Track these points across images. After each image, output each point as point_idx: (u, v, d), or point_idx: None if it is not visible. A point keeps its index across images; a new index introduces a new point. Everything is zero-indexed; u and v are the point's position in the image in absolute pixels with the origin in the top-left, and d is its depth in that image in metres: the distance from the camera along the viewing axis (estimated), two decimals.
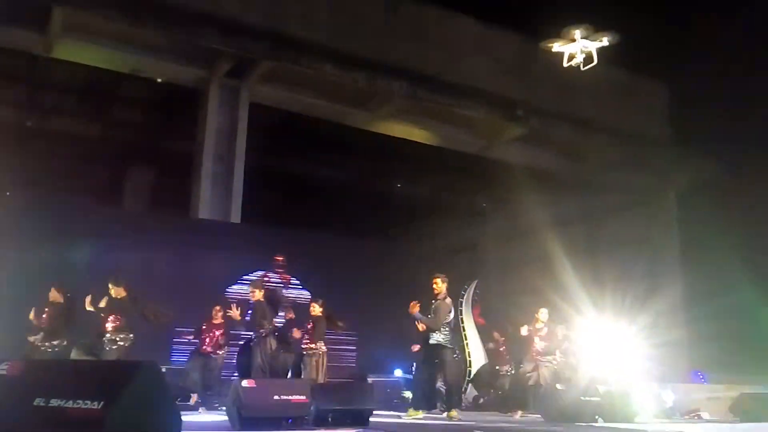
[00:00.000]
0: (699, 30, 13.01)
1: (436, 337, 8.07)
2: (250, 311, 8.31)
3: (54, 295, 7.99)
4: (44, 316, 7.91)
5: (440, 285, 8.22)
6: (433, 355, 8.17)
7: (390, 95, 13.34)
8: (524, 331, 9.28)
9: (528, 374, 9.22)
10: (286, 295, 10.54)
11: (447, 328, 8.21)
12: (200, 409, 8.68)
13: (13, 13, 10.54)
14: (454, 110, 13.77)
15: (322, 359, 8.68)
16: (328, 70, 12.40)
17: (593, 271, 11.20)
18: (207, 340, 9.16)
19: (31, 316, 7.97)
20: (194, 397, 8.98)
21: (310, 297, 9.68)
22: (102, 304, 7.72)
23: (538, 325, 9.29)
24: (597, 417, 7.71)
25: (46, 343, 7.83)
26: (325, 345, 8.79)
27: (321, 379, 8.41)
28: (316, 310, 8.81)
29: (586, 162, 14.66)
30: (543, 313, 9.36)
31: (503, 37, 13.62)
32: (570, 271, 10.00)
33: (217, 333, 9.18)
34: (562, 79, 14.40)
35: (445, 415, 8.17)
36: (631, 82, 15.52)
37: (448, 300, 8.33)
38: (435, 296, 8.21)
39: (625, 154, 14.88)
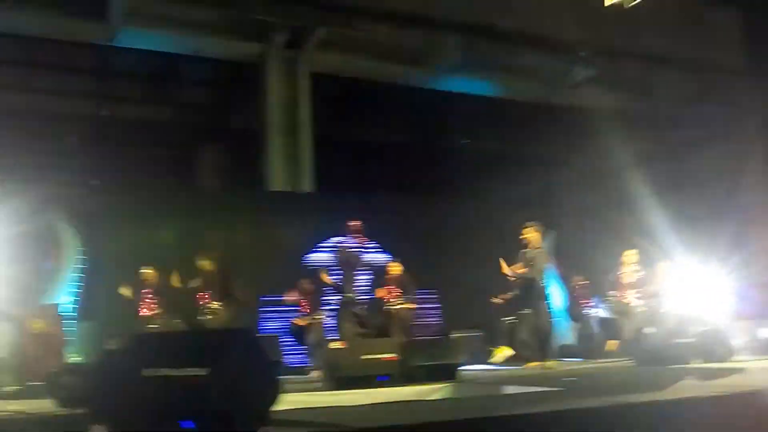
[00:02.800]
0: None
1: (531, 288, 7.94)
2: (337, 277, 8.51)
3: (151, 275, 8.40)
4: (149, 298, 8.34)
5: (534, 234, 8.03)
6: (527, 304, 8.05)
7: (447, 50, 13.12)
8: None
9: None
10: (365, 258, 10.63)
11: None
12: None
13: (74, 5, 10.86)
14: (514, 59, 13.43)
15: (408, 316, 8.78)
16: (383, 31, 12.30)
17: (679, 210, 10.80)
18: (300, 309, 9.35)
19: (125, 291, 8.38)
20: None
21: (390, 258, 9.73)
22: (195, 283, 8.12)
23: (629, 269, 9.03)
24: (690, 358, 7.53)
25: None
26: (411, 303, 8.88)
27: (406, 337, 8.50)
28: (396, 269, 8.88)
29: (659, 98, 14.07)
30: (631, 255, 9.07)
31: None
32: (655, 212, 9.66)
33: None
34: (626, 13, 13.85)
35: (535, 365, 8.02)
36: (701, 10, 14.76)
37: (544, 248, 8.18)
38: (527, 246, 8.03)
39: (701, 87, 14.23)
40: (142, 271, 8.49)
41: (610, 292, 9.23)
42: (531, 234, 7.98)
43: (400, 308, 8.75)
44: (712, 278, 8.95)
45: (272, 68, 12.59)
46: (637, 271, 8.98)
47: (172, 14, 11.47)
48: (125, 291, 8.36)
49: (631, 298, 8.94)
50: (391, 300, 8.80)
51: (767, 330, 9.50)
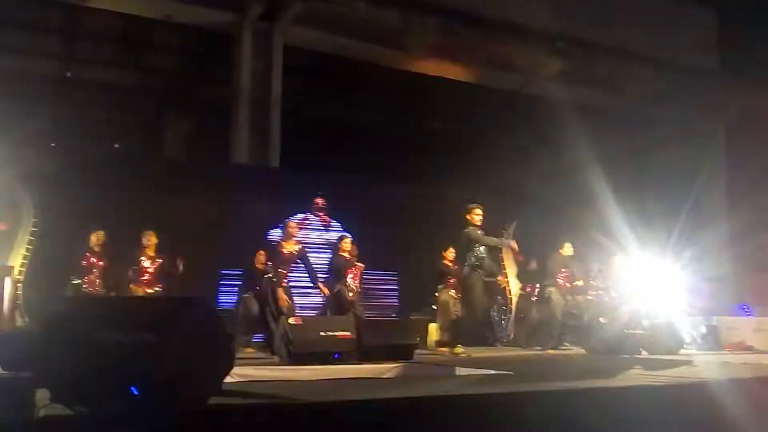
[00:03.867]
0: None
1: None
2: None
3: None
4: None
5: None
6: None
7: (424, 32, 13.04)
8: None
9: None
10: (328, 237, 10.62)
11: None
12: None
13: None
14: (491, 45, 13.43)
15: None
16: (361, 8, 12.17)
17: (639, 207, 11.01)
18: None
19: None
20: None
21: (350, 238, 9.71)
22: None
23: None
24: (641, 349, 7.70)
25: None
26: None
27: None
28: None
29: (630, 95, 14.24)
30: (567, 248, 9.39)
31: None
32: (615, 208, 9.84)
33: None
34: (603, 8, 13.95)
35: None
36: (676, 9, 14.91)
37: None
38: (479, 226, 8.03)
39: (672, 86, 14.40)
40: (93, 234, 8.26)
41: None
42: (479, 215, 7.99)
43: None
44: (665, 272, 9.15)
45: (246, 39, 12.38)
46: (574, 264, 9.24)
47: None
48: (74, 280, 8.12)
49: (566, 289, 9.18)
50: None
51: (716, 324, 9.80)
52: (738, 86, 14.03)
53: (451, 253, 9.18)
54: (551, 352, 8.71)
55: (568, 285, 9.37)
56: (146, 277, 8.14)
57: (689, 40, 14.91)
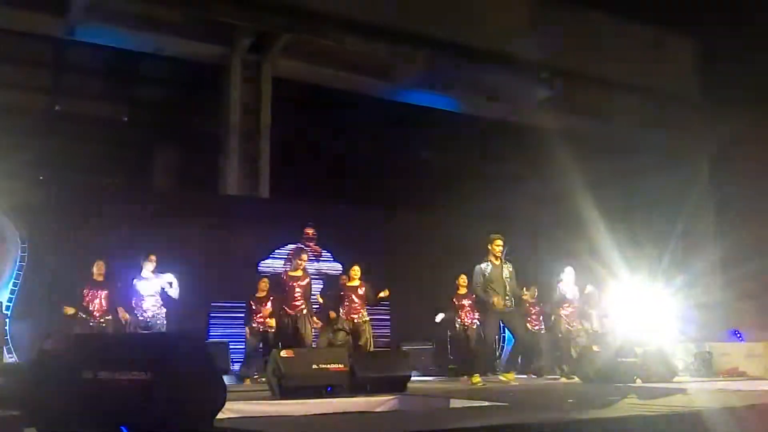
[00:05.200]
0: None
1: None
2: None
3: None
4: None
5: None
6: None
7: (411, 64, 13.19)
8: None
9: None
10: (318, 267, 10.60)
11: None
12: None
13: None
14: (477, 75, 13.58)
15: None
16: (349, 41, 12.30)
17: (628, 233, 11.08)
18: (258, 315, 9.18)
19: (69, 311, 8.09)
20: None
21: (341, 269, 9.68)
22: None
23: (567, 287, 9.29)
24: (635, 377, 7.68)
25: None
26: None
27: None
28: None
29: (616, 122, 14.42)
30: (567, 273, 9.39)
31: None
32: (604, 234, 9.89)
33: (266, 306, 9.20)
34: (587, 38, 14.18)
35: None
36: (658, 39, 15.18)
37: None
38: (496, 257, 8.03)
39: (656, 114, 14.61)
40: (95, 264, 8.22)
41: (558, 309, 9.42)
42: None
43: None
44: (658, 299, 9.17)
45: (235, 71, 12.46)
46: (577, 289, 9.23)
47: (134, 11, 11.28)
48: (69, 310, 8.03)
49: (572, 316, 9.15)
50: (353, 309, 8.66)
51: (709, 350, 9.81)
52: (721, 113, 14.25)
53: (464, 280, 9.25)
54: (565, 380, 8.65)
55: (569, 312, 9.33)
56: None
57: (672, 69, 15.16)
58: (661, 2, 14.27)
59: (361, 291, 8.56)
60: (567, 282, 9.55)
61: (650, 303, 9.12)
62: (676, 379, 8.00)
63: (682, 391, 6.42)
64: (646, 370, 7.73)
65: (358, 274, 8.65)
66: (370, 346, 8.51)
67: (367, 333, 8.49)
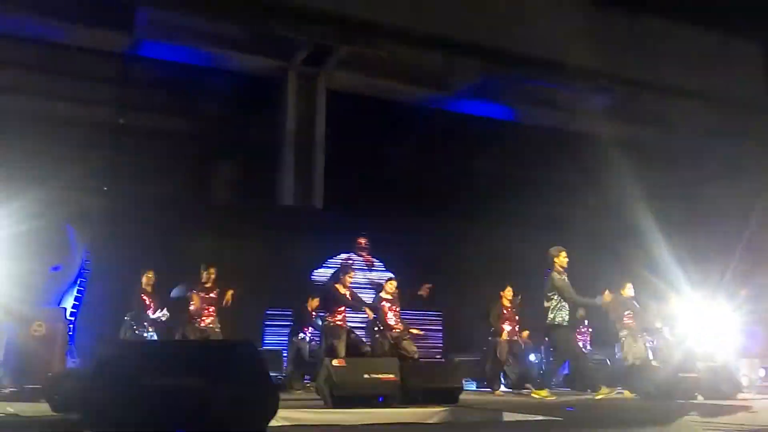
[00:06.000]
0: None
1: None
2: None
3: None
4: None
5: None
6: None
7: (467, 73, 13.13)
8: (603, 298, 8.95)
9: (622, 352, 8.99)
10: (371, 276, 10.65)
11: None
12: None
13: (100, 15, 11.02)
14: (533, 84, 13.43)
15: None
16: (403, 52, 12.34)
17: (691, 245, 10.74)
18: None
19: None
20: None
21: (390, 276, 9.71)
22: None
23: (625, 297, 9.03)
24: (696, 394, 7.42)
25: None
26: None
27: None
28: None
29: (678, 131, 14.02)
30: (628, 288, 9.13)
31: (581, 4, 13.17)
32: (665, 245, 9.60)
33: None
34: (647, 44, 13.84)
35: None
36: (722, 43, 14.70)
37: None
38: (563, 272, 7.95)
39: (721, 121, 14.13)
40: (144, 274, 8.46)
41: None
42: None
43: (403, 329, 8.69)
44: (720, 314, 8.85)
45: (291, 84, 12.65)
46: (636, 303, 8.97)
47: (195, 27, 11.60)
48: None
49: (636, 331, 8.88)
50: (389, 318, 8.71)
51: (759, 368, 9.40)
52: None
53: (509, 293, 9.17)
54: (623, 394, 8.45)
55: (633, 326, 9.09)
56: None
57: (738, 74, 14.64)
58: (725, 5, 13.84)
59: (396, 306, 8.62)
60: (627, 297, 9.31)
61: (713, 317, 8.80)
62: (739, 396, 7.70)
63: (746, 408, 6.18)
64: (708, 386, 7.46)
65: (393, 288, 8.71)
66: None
67: (410, 346, 8.51)
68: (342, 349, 8.31)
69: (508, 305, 9.39)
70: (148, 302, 8.35)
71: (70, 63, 12.26)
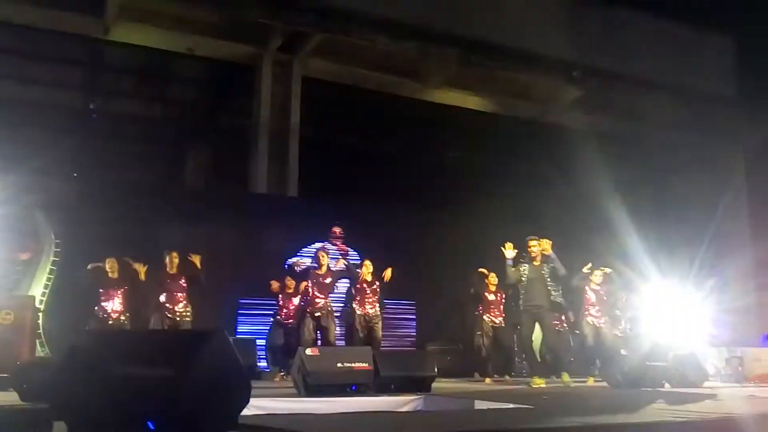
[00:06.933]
0: None
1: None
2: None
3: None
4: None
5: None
6: None
7: (442, 63, 13.15)
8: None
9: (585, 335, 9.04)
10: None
11: None
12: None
13: None
14: (509, 75, 13.50)
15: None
16: (379, 41, 12.31)
17: (659, 235, 10.91)
18: (285, 310, 9.32)
19: None
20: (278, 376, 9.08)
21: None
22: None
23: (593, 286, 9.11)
24: (663, 382, 7.56)
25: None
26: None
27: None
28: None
29: (648, 122, 14.21)
30: (597, 276, 9.24)
31: None
32: (635, 236, 9.75)
33: (293, 302, 9.31)
34: (619, 36, 13.98)
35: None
36: (693, 38, 14.91)
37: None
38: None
39: (690, 114, 14.36)
40: (107, 261, 8.29)
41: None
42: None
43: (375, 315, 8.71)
44: (688, 303, 9.01)
45: (266, 70, 12.57)
46: (605, 291, 9.05)
47: (168, 12, 11.44)
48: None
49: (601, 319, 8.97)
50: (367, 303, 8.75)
51: (740, 355, 9.60)
52: (757, 113, 13.95)
53: (494, 278, 9.24)
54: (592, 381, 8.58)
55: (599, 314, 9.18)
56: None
57: (707, 67, 14.88)
58: (696, 0, 14.03)
59: (374, 286, 8.69)
60: (595, 285, 9.39)
61: (681, 306, 8.96)
62: (706, 384, 7.86)
63: (712, 396, 6.31)
64: (675, 374, 7.61)
65: (371, 269, 8.77)
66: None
67: (379, 330, 8.59)
68: (310, 337, 8.31)
69: (494, 290, 9.44)
70: (111, 291, 8.19)
71: (41, 47, 12.03)
